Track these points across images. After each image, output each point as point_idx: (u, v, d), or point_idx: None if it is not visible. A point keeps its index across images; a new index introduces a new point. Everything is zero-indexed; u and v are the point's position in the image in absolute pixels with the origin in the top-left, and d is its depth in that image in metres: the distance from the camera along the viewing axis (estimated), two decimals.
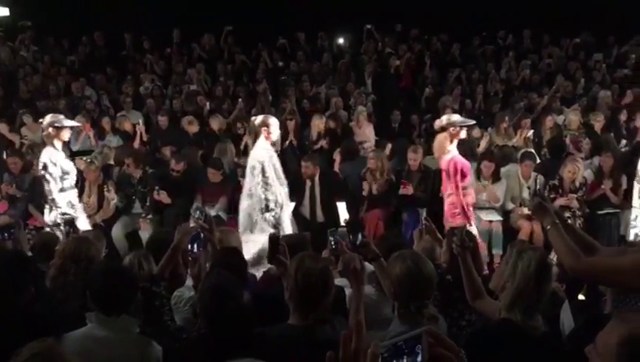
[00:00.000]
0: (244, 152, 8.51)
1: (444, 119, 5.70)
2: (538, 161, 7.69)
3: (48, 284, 3.40)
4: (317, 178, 6.98)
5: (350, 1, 12.44)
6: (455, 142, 5.65)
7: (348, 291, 3.58)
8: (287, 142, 8.96)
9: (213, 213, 6.64)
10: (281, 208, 5.54)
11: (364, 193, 7.10)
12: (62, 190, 5.66)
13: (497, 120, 8.87)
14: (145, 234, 6.50)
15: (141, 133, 8.83)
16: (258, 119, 5.64)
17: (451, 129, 5.57)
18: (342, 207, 6.95)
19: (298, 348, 2.50)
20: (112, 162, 7.92)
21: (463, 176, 5.53)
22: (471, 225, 5.51)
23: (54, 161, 5.60)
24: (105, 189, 6.96)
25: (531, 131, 8.55)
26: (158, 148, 8.65)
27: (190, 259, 3.67)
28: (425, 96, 10.76)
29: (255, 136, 5.58)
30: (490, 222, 6.81)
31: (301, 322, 2.59)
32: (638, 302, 2.61)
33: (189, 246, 3.63)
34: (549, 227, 2.87)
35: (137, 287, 2.99)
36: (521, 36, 12.94)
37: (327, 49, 12.77)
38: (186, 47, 12.57)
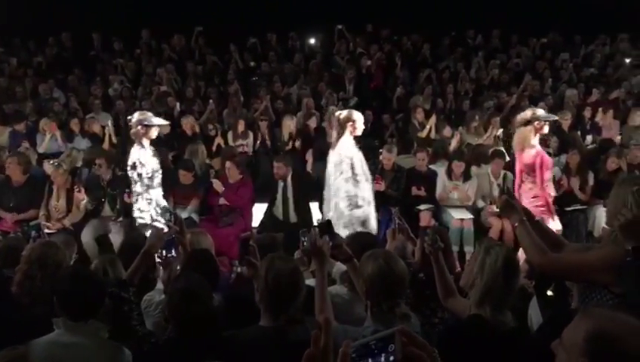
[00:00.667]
0: (216, 153, 8.48)
1: (528, 113, 5.65)
2: (507, 159, 7.79)
3: (14, 290, 3.33)
4: (289, 178, 6.95)
5: (321, 2, 12.45)
6: (538, 136, 5.64)
7: None
8: (259, 142, 8.95)
9: (185, 214, 6.59)
10: (369, 204, 5.49)
11: None
12: (151, 187, 5.57)
13: (468, 119, 8.99)
14: (115, 237, 6.40)
15: (110, 135, 8.71)
16: (343, 114, 5.56)
17: (536, 123, 5.53)
18: (314, 208, 6.95)
19: (269, 349, 2.50)
20: (79, 164, 7.79)
21: (546, 170, 5.55)
22: (554, 219, 5.55)
23: (143, 161, 5.50)
24: (76, 190, 6.79)
25: (501, 130, 8.66)
26: (128, 150, 8.53)
27: (162, 263, 3.62)
28: (396, 96, 10.82)
29: (340, 131, 5.51)
30: (462, 220, 6.88)
31: (272, 323, 2.59)
32: (603, 297, 2.65)
33: (164, 252, 3.57)
34: (516, 224, 2.92)
35: (105, 292, 2.94)
36: (490, 36, 13.10)
37: (299, 49, 12.76)
38: (155, 47, 12.43)
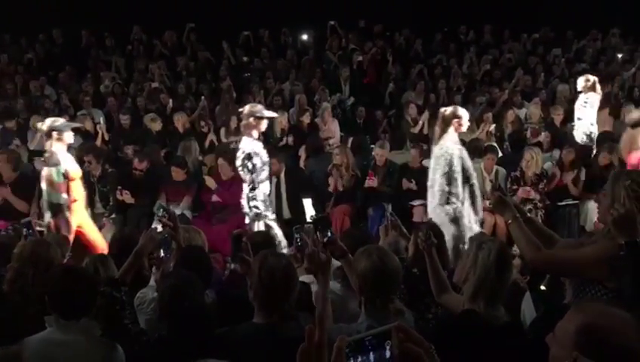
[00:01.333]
0: (209, 150, 8.45)
1: (635, 115, 5.76)
2: (500, 154, 7.82)
3: (6, 288, 3.31)
4: (282, 175, 6.95)
5: None
6: None
7: (314, 287, 3.59)
8: None
9: (178, 211, 6.55)
10: (462, 203, 5.46)
11: (331, 189, 7.10)
12: (261, 181, 5.57)
13: None
14: (108, 234, 6.37)
15: (102, 133, 8.67)
16: (448, 110, 5.52)
17: None
18: (308, 204, 6.95)
19: (263, 346, 2.49)
20: None
21: None
22: None
23: (257, 151, 5.48)
24: None
25: (493, 125, 8.68)
26: (121, 147, 8.51)
27: (155, 262, 3.59)
28: (388, 92, 10.81)
29: (444, 128, 5.47)
30: None
31: (266, 320, 2.58)
32: (597, 293, 2.67)
33: (162, 253, 3.54)
34: (509, 221, 2.92)
35: (97, 290, 2.92)
36: (482, 32, 13.12)
37: (291, 45, 12.73)
38: (147, 44, 12.38)
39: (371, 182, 6.98)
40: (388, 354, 1.09)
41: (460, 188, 5.38)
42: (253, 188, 5.51)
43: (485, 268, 2.61)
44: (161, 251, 3.53)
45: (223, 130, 8.99)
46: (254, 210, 5.51)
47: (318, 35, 13.18)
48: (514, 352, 2.48)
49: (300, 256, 3.99)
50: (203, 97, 9.82)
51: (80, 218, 5.63)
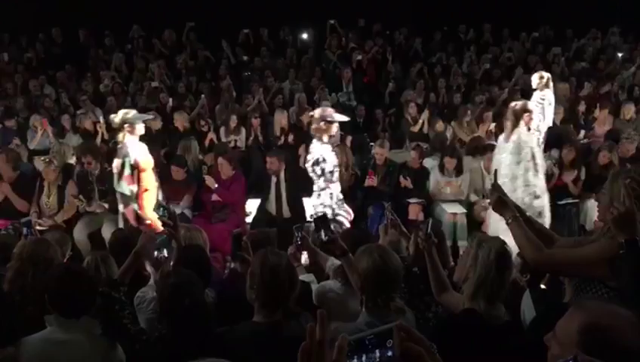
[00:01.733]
0: (209, 149, 8.45)
1: None
2: None
3: (6, 287, 3.31)
4: (282, 174, 6.93)
5: None
6: None
7: (314, 286, 3.59)
8: (252, 138, 8.93)
9: (178, 210, 6.55)
10: (544, 195, 5.50)
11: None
12: (331, 182, 5.61)
13: (460, 113, 9.00)
14: (107, 233, 6.35)
15: (102, 132, 8.65)
16: (518, 105, 5.66)
17: None
18: (308, 203, 6.94)
19: (264, 345, 2.49)
20: (71, 161, 7.72)
21: None
22: None
23: (326, 157, 5.50)
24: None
25: (493, 124, 8.67)
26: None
27: (154, 264, 3.58)
28: (388, 91, 10.81)
29: (515, 122, 5.58)
30: (455, 214, 6.88)
31: (267, 319, 2.58)
32: (598, 291, 2.66)
33: (165, 252, 3.53)
34: (509, 221, 2.92)
35: (96, 289, 2.92)
36: (482, 30, 13.12)
37: (291, 44, 12.73)
38: (146, 43, 12.37)
39: (371, 181, 6.98)
40: (389, 353, 1.09)
41: (542, 180, 5.41)
42: (319, 196, 5.53)
43: (485, 266, 2.61)
44: (164, 251, 3.53)
45: (222, 129, 8.98)
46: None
47: (318, 33, 13.17)
48: (514, 351, 2.48)
49: (300, 256, 3.99)
50: (203, 96, 9.82)
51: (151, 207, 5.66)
